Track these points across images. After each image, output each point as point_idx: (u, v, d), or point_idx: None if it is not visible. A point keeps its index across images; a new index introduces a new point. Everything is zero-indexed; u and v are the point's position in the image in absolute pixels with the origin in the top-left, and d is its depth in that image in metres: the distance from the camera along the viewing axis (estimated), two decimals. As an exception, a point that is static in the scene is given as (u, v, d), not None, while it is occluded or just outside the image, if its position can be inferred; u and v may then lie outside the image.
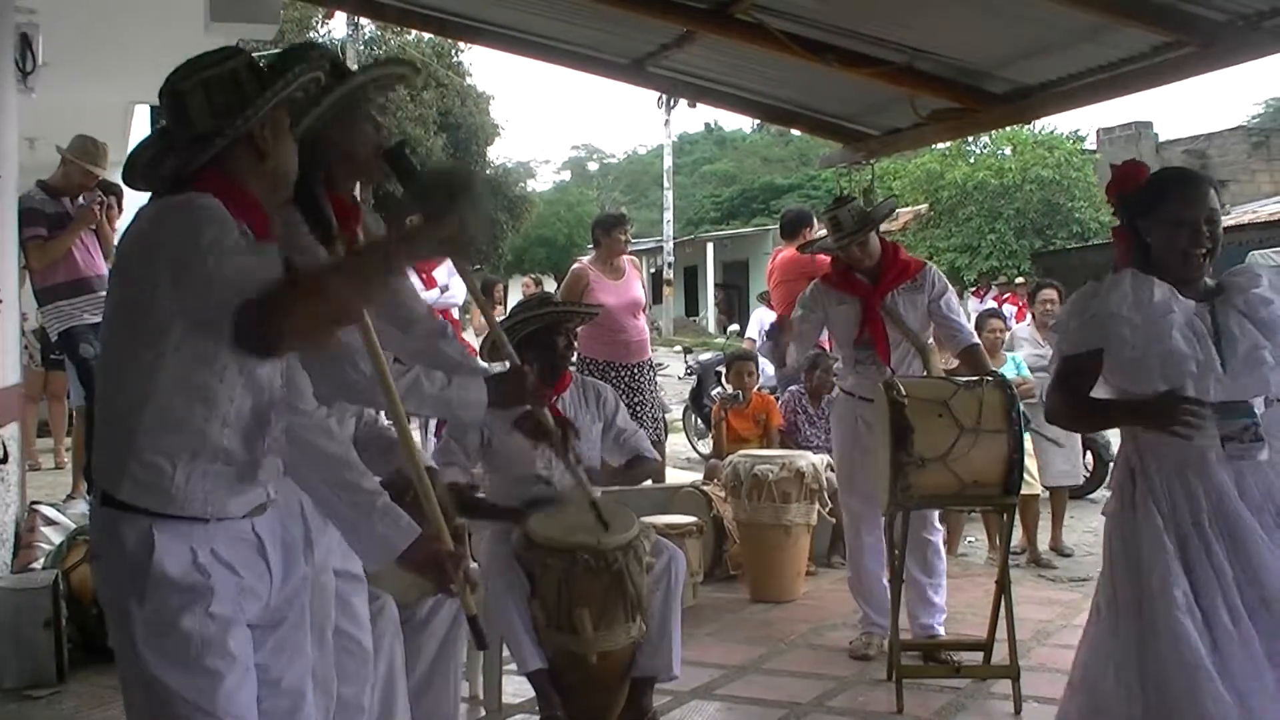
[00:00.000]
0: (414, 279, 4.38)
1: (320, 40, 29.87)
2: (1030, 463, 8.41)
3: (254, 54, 3.03)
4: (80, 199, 8.40)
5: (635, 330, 9.15)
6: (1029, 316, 10.69)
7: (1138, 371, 3.78)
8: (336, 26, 32.67)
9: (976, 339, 6.69)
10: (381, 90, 4.07)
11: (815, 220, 10.30)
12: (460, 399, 3.84)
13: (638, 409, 8.95)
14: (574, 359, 6.19)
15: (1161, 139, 33.00)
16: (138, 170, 2.99)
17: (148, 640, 2.75)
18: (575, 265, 9.43)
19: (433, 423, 8.65)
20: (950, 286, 6.70)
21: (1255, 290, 3.80)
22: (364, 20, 28.54)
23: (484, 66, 75.97)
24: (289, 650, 3.00)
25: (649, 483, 6.85)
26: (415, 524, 3.16)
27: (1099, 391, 3.96)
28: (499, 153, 40.58)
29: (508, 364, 4.22)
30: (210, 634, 2.76)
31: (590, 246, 9.90)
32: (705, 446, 13.32)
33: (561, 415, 4.25)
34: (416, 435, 8.64)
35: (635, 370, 9.06)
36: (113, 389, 2.88)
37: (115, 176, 8.17)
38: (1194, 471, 3.72)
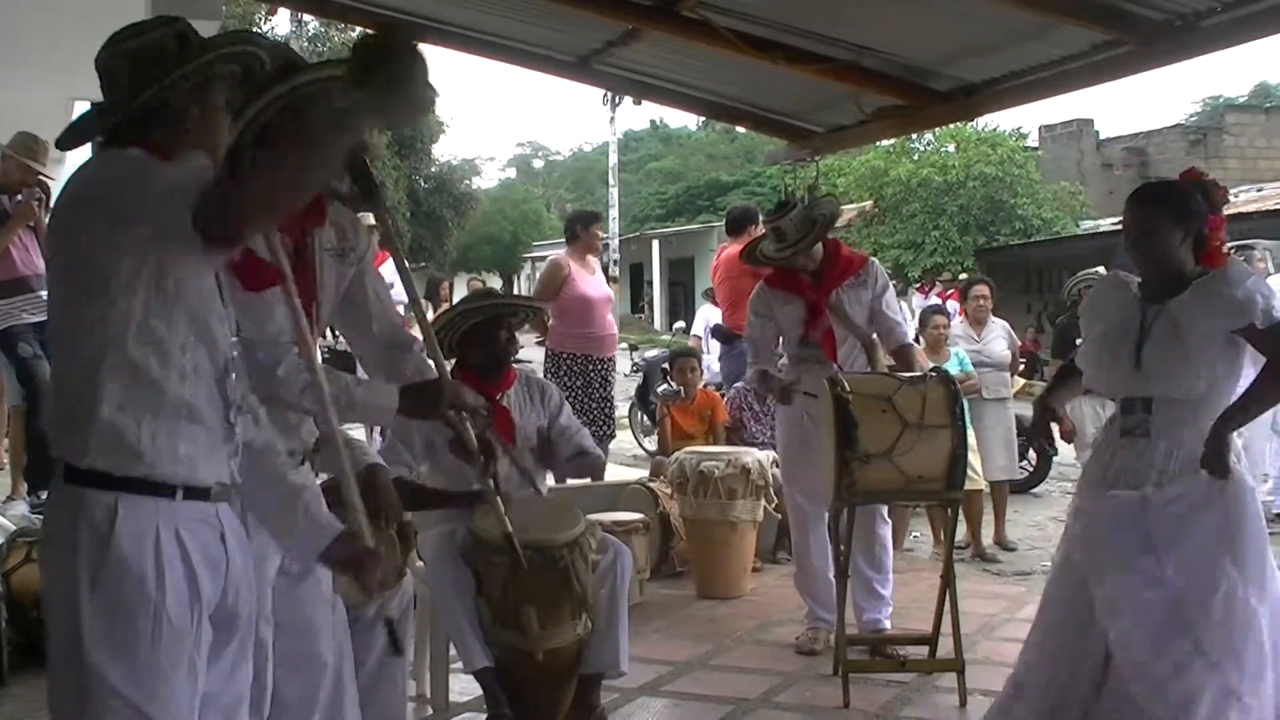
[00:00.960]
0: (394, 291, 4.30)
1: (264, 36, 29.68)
2: (973, 458, 8.47)
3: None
4: (19, 196, 8.29)
5: (609, 324, 9.24)
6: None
7: (1087, 359, 4.47)
8: (280, 22, 32.49)
9: (910, 339, 6.69)
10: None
11: (761, 218, 10.34)
12: (366, 403, 3.72)
13: (605, 404, 9.01)
14: (517, 354, 6.14)
15: (1102, 137, 33.40)
16: (69, 144, 3.00)
17: (94, 630, 2.66)
18: (553, 256, 9.44)
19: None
20: (890, 283, 6.74)
21: (1203, 305, 4.17)
22: (307, 16, 28.38)
23: (428, 62, 75.62)
24: (234, 658, 2.95)
25: (589, 480, 6.85)
26: (336, 522, 3.14)
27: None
28: (444, 150, 40.45)
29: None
30: (164, 629, 2.69)
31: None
32: (651, 443, 13.34)
33: (487, 438, 4.11)
34: (362, 434, 8.61)
35: (607, 365, 9.13)
36: (66, 358, 2.83)
37: (56, 173, 8.11)
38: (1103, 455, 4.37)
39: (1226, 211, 4.51)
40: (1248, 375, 4.20)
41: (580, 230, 9.32)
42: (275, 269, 3.25)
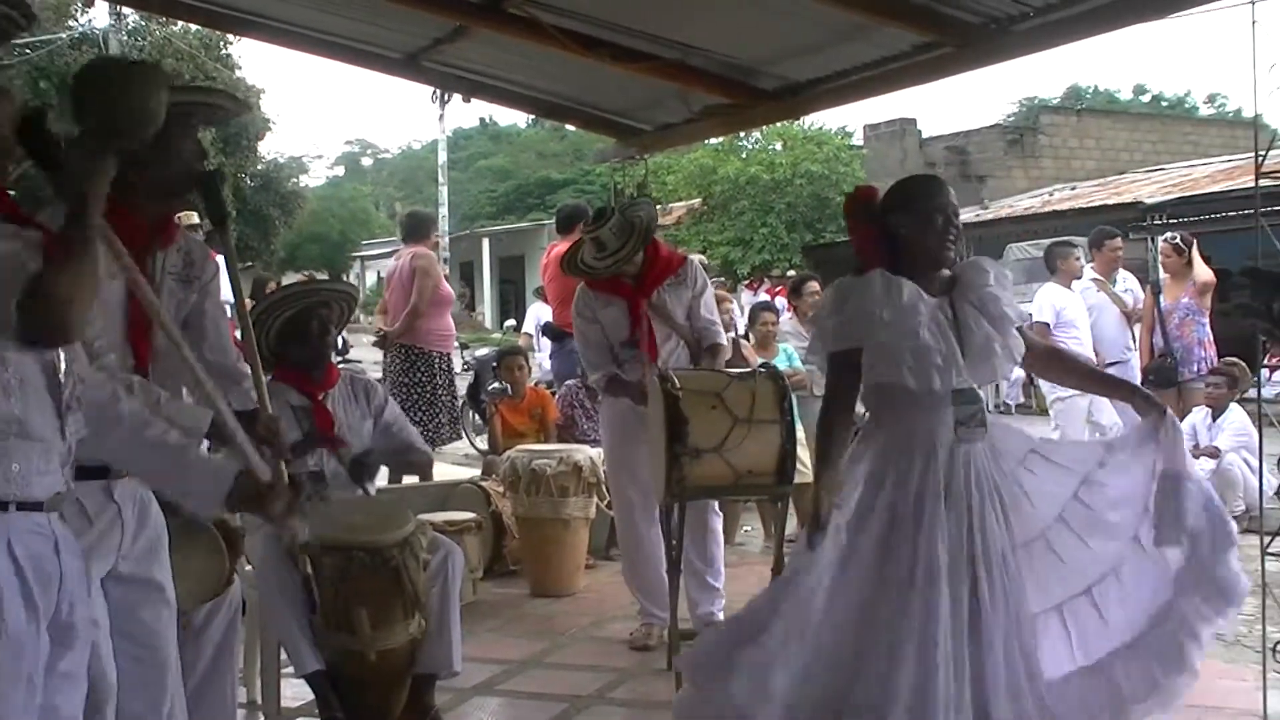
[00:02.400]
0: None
1: (82, 30, 28.78)
2: (804, 452, 8.58)
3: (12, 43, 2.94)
4: None
5: (452, 322, 9.31)
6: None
7: (889, 364, 4.08)
8: (98, 15, 31.56)
9: (723, 339, 6.74)
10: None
11: (591, 215, 10.38)
12: (172, 420, 3.66)
13: (447, 401, 9.02)
14: (339, 347, 6.08)
15: (925, 136, 34.05)
16: None
17: None
18: (421, 253, 9.38)
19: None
20: (709, 283, 6.80)
21: (987, 288, 4.17)
22: (127, 10, 27.61)
23: (254, 59, 74.43)
24: (72, 670, 2.88)
25: (419, 479, 6.80)
26: (231, 464, 3.18)
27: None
28: (270, 148, 39.80)
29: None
30: (1, 643, 2.63)
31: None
32: (483, 442, 13.28)
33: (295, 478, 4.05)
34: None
35: (447, 360, 9.19)
36: None
37: None
38: (926, 454, 4.05)
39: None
40: None
41: (431, 230, 9.42)
42: None
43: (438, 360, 9.00)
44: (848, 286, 4.21)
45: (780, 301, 13.88)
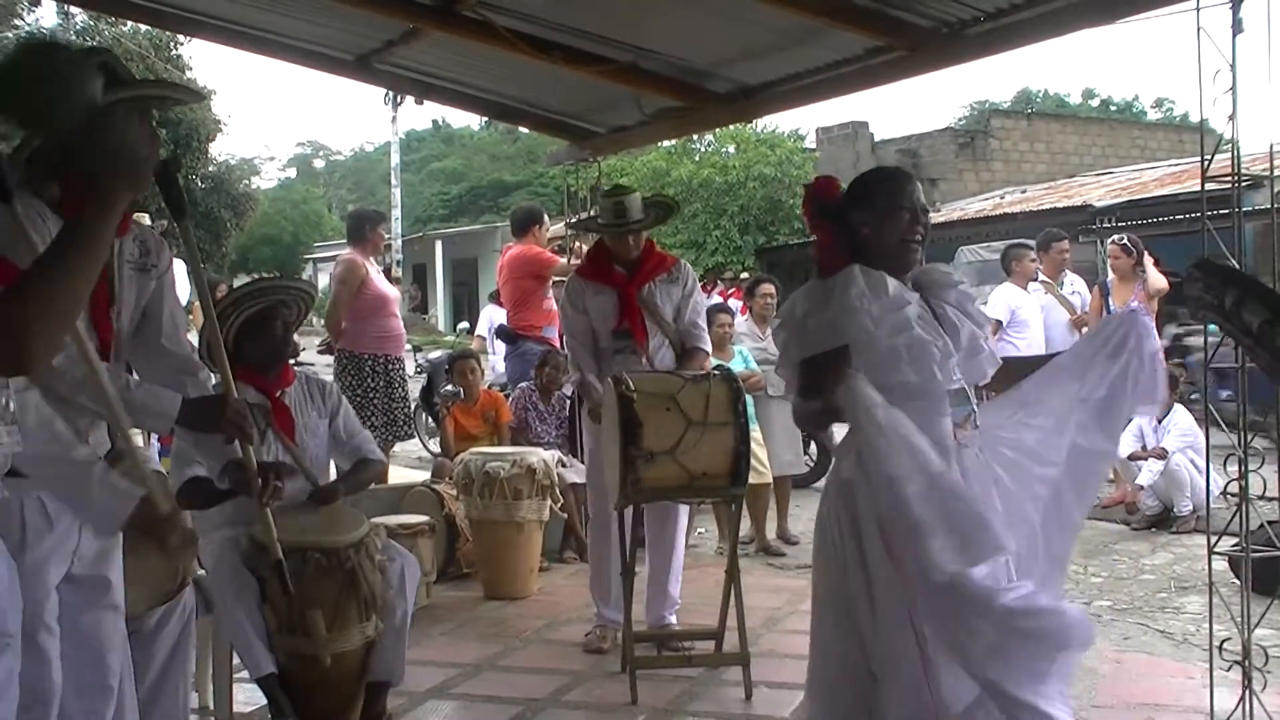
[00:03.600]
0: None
1: (29, 30, 28.54)
2: (761, 451, 8.63)
3: None
4: None
5: (398, 322, 9.19)
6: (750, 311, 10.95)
7: (885, 362, 3.70)
8: (46, 14, 31.31)
9: (706, 345, 6.74)
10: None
11: (546, 218, 10.38)
12: (146, 405, 3.65)
13: (404, 404, 8.96)
14: (297, 350, 6.04)
15: (877, 139, 34.20)
16: None
17: None
18: (347, 255, 9.28)
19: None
20: (700, 288, 6.85)
21: (959, 287, 3.99)
22: (75, 9, 27.40)
23: (205, 60, 73.96)
24: (5, 676, 2.82)
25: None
26: (135, 488, 3.13)
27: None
28: (221, 149, 39.55)
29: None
30: None
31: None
32: (436, 445, 13.24)
33: (269, 463, 4.06)
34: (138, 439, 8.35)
35: (399, 364, 9.10)
36: None
37: None
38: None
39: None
40: None
41: (369, 230, 9.25)
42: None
43: (382, 363, 8.89)
44: (827, 285, 3.78)
45: (734, 304, 13.90)
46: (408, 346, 16.08)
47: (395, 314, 9.18)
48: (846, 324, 3.70)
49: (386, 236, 9.38)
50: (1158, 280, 10.45)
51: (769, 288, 9.98)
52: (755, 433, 8.83)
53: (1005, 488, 3.85)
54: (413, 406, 9.70)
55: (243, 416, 3.78)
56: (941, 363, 3.73)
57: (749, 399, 7.50)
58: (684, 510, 6.68)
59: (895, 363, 3.70)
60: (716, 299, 22.84)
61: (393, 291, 9.22)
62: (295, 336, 5.59)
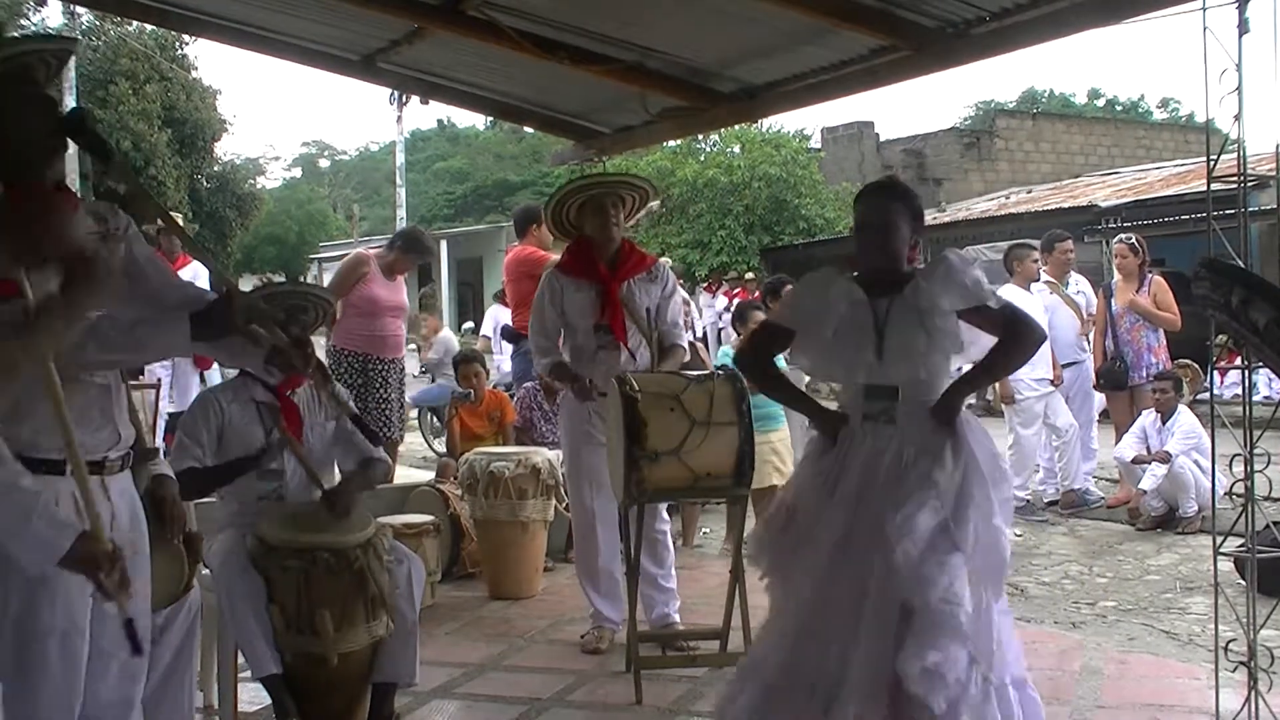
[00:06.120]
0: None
1: (35, 29, 28.54)
2: (789, 455, 8.64)
3: None
4: None
5: (394, 327, 9.13)
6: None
7: (812, 353, 4.56)
8: (51, 15, 31.35)
9: (684, 342, 6.75)
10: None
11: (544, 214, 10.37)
12: (156, 338, 3.64)
13: (384, 405, 8.91)
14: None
15: (882, 139, 34.24)
16: None
17: None
18: (357, 252, 9.26)
19: (161, 426, 8.37)
20: (679, 288, 6.83)
21: (940, 290, 4.30)
22: (81, 10, 27.42)
23: (210, 60, 74.00)
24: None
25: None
26: (76, 523, 3.09)
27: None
28: (227, 149, 39.54)
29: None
30: None
31: (326, 244, 9.87)
32: (441, 445, 13.25)
33: (297, 336, 3.99)
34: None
35: (388, 366, 9.03)
36: None
37: None
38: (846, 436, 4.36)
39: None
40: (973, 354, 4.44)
41: (400, 254, 9.22)
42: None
43: (360, 360, 8.84)
44: (807, 277, 4.64)
45: (722, 300, 13.92)
46: (412, 346, 16.08)
47: (390, 318, 9.09)
48: (796, 315, 4.61)
49: (415, 265, 9.40)
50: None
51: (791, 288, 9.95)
52: (784, 432, 8.86)
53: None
54: (401, 411, 9.62)
55: (251, 305, 3.68)
56: (850, 362, 4.37)
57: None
58: (664, 506, 6.66)
59: (820, 355, 4.54)
60: (721, 299, 22.92)
61: (391, 299, 9.09)
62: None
